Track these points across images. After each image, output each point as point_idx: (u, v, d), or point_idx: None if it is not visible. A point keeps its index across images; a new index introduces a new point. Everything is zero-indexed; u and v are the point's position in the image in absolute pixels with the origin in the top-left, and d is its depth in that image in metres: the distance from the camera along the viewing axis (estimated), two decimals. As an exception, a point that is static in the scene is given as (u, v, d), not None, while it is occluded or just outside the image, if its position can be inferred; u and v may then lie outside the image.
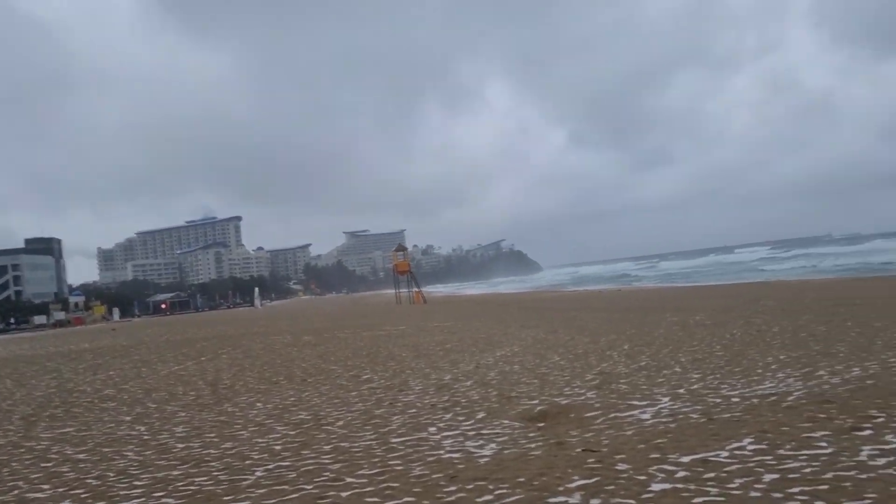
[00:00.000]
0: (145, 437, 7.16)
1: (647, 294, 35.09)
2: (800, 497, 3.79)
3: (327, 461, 5.52)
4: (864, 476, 4.04)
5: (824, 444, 4.79)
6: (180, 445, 6.63)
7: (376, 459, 5.46)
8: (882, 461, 4.29)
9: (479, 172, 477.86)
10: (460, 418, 6.87)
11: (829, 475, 4.11)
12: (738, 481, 4.15)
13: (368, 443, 6.07)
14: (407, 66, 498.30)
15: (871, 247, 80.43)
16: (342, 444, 6.07)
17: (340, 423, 7.09)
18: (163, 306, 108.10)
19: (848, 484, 3.93)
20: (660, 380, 8.09)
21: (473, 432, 6.21)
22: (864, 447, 4.61)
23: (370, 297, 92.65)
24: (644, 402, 6.85)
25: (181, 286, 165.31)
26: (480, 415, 6.97)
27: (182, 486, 5.15)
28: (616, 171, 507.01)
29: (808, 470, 4.25)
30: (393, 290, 59.19)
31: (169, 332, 30.58)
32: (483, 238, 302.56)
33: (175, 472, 5.56)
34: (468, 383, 9.00)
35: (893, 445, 4.59)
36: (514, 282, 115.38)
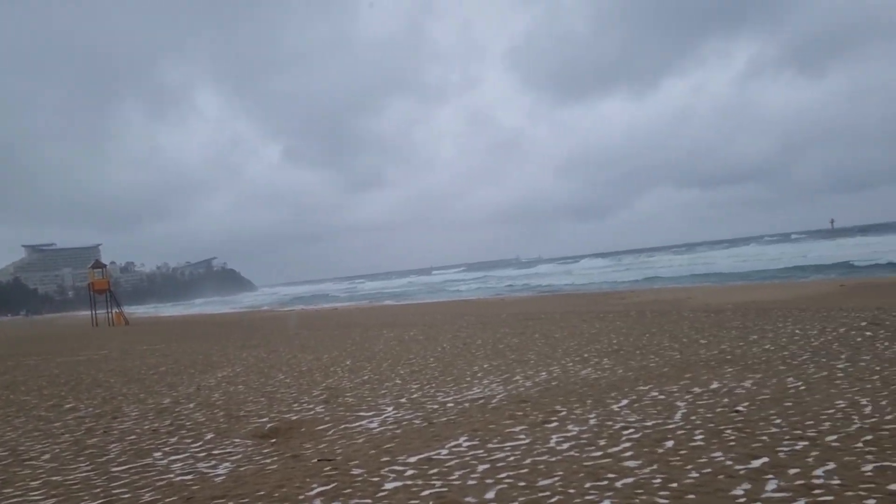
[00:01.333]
0: None
1: (363, 313, 36.38)
2: (507, 480, 4.49)
3: (38, 497, 5.02)
4: (553, 459, 4.91)
5: (523, 436, 5.67)
6: None
7: (98, 490, 5.10)
8: (566, 446, 5.24)
9: (188, 185, 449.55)
10: (188, 441, 6.67)
11: (528, 461, 4.91)
12: (457, 473, 4.75)
13: (85, 474, 5.62)
14: (102, 61, 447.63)
15: (540, 270, 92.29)
16: (53, 478, 5.53)
17: (47, 455, 6.41)
18: None
19: (542, 466, 4.75)
20: (383, 391, 8.66)
21: (204, 453, 6.10)
22: (553, 436, 5.57)
23: (60, 320, 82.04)
24: (371, 413, 7.32)
25: None
26: (209, 436, 6.83)
27: None
28: (331, 191, 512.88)
29: (511, 458, 5.02)
30: (88, 312, 53.18)
31: None
32: (193, 255, 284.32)
33: None
34: (191, 405, 8.69)
35: (574, 433, 5.62)
36: (217, 303, 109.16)
